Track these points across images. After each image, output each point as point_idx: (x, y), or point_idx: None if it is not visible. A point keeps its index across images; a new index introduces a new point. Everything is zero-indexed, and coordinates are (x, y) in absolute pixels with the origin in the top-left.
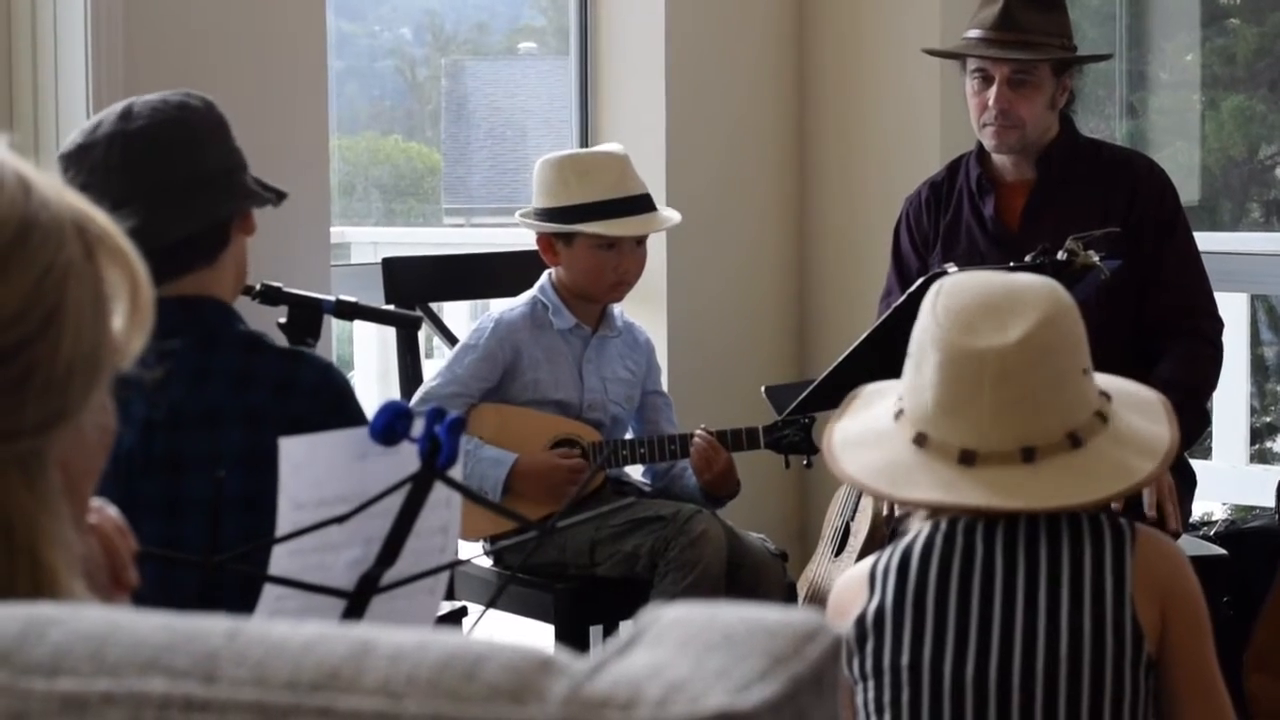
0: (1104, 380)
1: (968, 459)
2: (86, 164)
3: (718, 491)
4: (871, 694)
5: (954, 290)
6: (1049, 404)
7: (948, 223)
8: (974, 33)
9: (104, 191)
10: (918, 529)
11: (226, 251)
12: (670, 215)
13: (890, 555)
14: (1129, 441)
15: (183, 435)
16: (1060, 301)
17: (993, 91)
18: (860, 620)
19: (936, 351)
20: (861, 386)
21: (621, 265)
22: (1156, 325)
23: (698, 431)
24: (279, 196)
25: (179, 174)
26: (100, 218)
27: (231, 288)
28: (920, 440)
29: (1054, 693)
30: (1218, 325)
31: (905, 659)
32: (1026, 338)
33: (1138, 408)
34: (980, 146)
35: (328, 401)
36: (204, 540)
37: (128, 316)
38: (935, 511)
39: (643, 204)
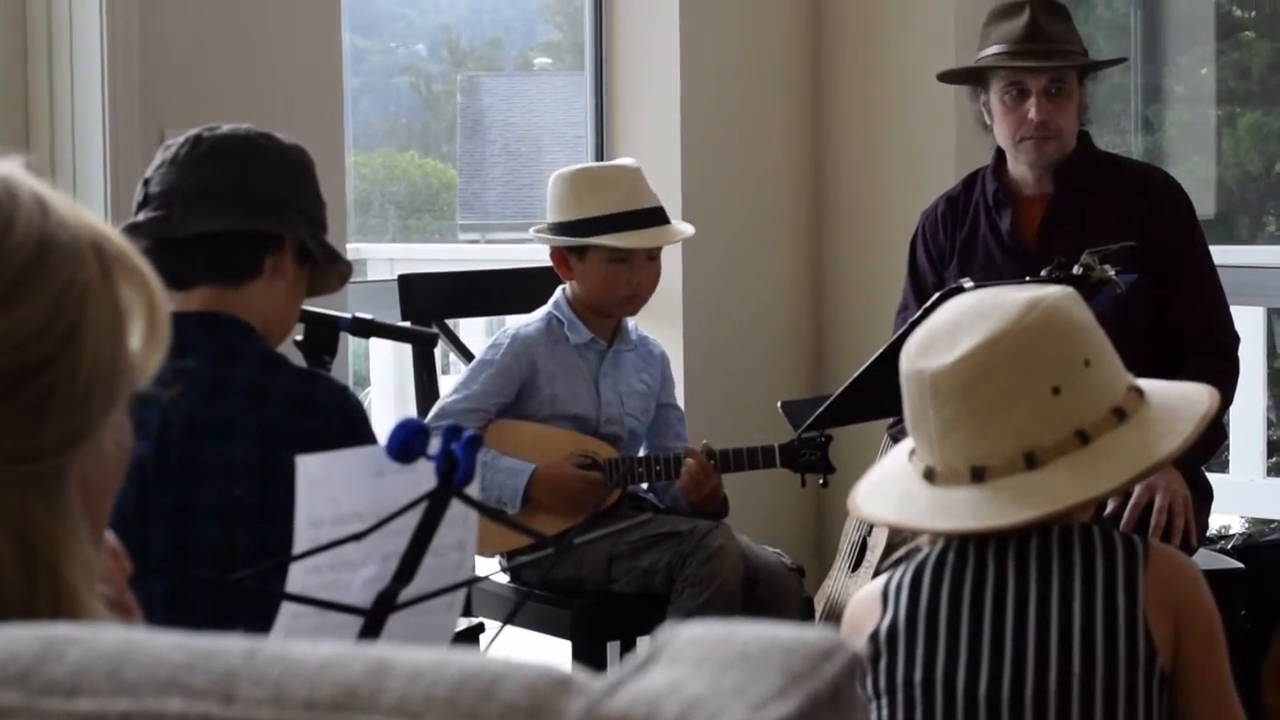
0: (1154, 387)
1: (929, 476)
2: (159, 161)
3: (703, 511)
4: (885, 711)
5: (942, 310)
6: (994, 424)
7: (964, 237)
8: (998, 48)
9: (162, 181)
10: (930, 546)
11: (255, 282)
12: (683, 228)
13: (903, 572)
14: (1107, 457)
15: (196, 445)
16: (1023, 319)
17: (1032, 103)
18: (873, 637)
19: (903, 370)
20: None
21: (634, 279)
22: (1173, 340)
23: (694, 450)
24: (342, 271)
25: (222, 184)
26: (116, 237)
27: (262, 321)
28: (911, 455)
29: (1067, 708)
30: (1235, 340)
31: (918, 675)
32: (962, 358)
33: (1166, 424)
34: (996, 160)
35: (342, 422)
36: (213, 549)
37: (144, 335)
38: (892, 528)
39: (655, 217)
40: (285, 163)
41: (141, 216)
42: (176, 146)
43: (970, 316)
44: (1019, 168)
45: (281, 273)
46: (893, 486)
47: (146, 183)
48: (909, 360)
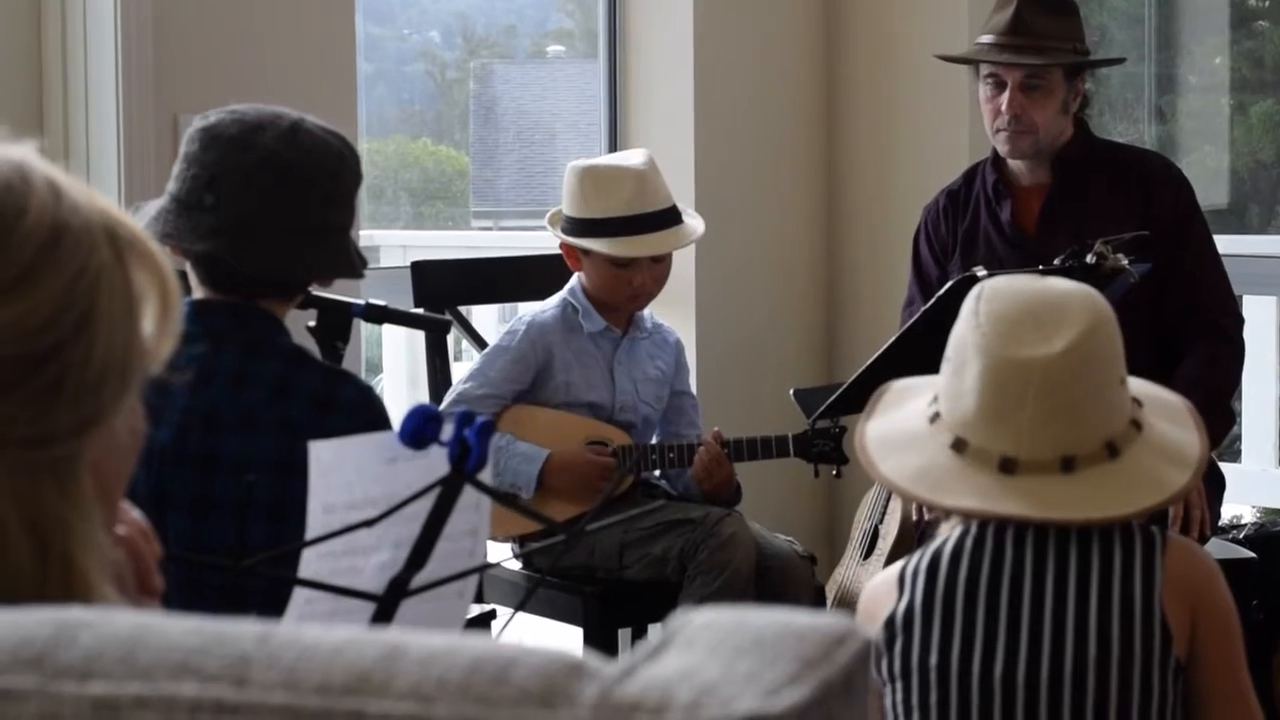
0: (1133, 385)
1: (1008, 467)
2: (235, 162)
3: (714, 499)
4: (900, 694)
5: (996, 296)
6: (1089, 414)
7: (965, 229)
8: (986, 38)
9: (236, 197)
10: (947, 533)
11: (299, 296)
12: (691, 229)
13: (920, 558)
14: (1162, 450)
15: (218, 436)
16: (1102, 311)
17: (1005, 97)
18: (889, 621)
19: (980, 359)
20: (889, 383)
21: (636, 280)
22: (1176, 324)
23: (706, 439)
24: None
25: (305, 220)
26: (129, 222)
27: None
28: (959, 446)
29: (1082, 693)
30: (1237, 322)
31: (934, 659)
32: (1071, 348)
33: (1165, 413)
34: (995, 152)
35: (364, 422)
36: (229, 541)
37: (157, 319)
38: (967, 516)
39: (659, 220)
40: (354, 185)
41: (211, 225)
42: (257, 160)
43: (1048, 306)
44: (1011, 160)
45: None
46: (956, 478)
47: (213, 151)
48: (995, 349)
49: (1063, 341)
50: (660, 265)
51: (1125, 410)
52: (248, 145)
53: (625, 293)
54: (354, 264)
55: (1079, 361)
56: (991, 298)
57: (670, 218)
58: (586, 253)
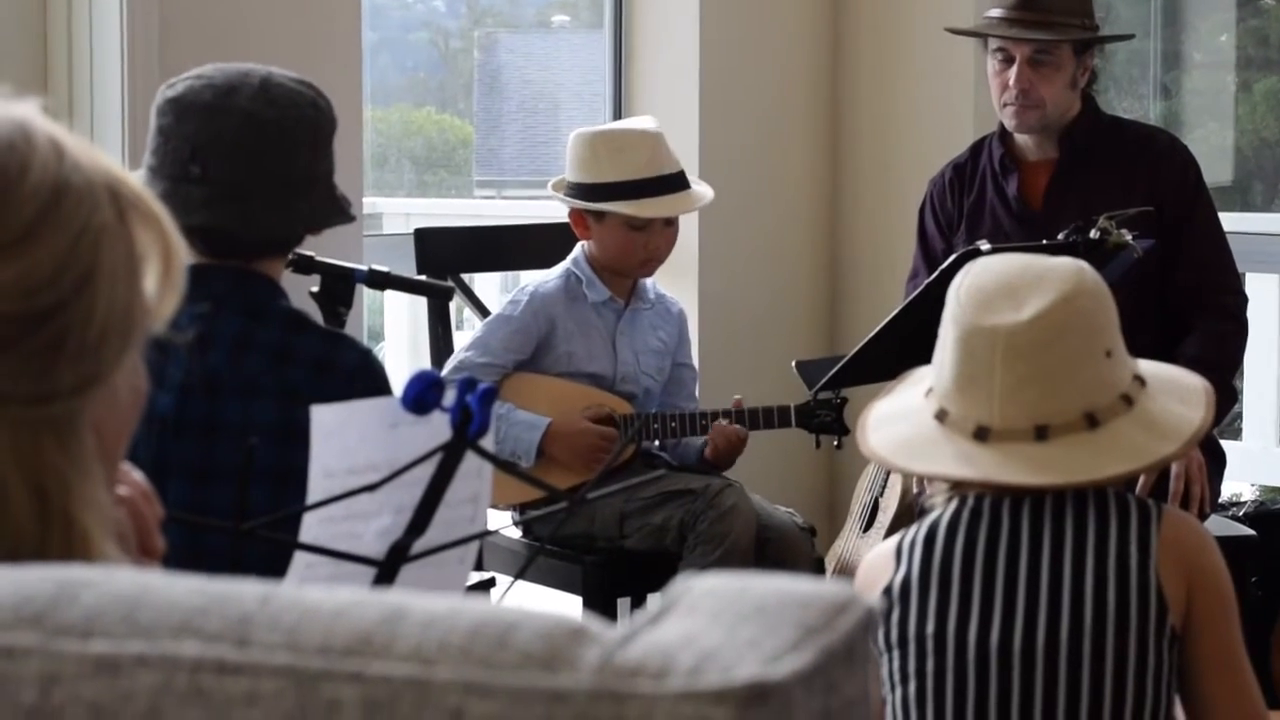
0: (1146, 366)
1: (982, 435)
2: (215, 129)
3: (719, 467)
4: (897, 663)
5: (979, 270)
6: (1063, 383)
7: (971, 203)
8: (996, 12)
9: (223, 164)
10: (944, 505)
11: (291, 253)
12: (703, 193)
13: (917, 530)
14: (1154, 425)
15: (219, 402)
16: (1082, 283)
17: (1013, 71)
18: (886, 591)
19: (955, 328)
20: (916, 369)
21: (651, 244)
22: (1180, 301)
23: (726, 410)
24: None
25: (294, 173)
26: (132, 180)
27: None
28: (941, 416)
29: (1077, 662)
30: (1242, 300)
31: (930, 628)
32: (1038, 316)
33: (1177, 394)
34: (1003, 126)
35: (364, 386)
36: (230, 507)
37: (159, 278)
38: (957, 487)
39: (674, 183)
40: (331, 131)
41: (202, 196)
42: (237, 123)
43: (1026, 277)
44: (1018, 134)
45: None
46: (934, 446)
47: (188, 120)
48: (967, 317)
49: (1032, 310)
50: (671, 228)
51: (1113, 384)
52: (224, 110)
53: (639, 256)
54: (345, 210)
55: (1049, 329)
56: (975, 272)
57: (682, 181)
58: (599, 219)
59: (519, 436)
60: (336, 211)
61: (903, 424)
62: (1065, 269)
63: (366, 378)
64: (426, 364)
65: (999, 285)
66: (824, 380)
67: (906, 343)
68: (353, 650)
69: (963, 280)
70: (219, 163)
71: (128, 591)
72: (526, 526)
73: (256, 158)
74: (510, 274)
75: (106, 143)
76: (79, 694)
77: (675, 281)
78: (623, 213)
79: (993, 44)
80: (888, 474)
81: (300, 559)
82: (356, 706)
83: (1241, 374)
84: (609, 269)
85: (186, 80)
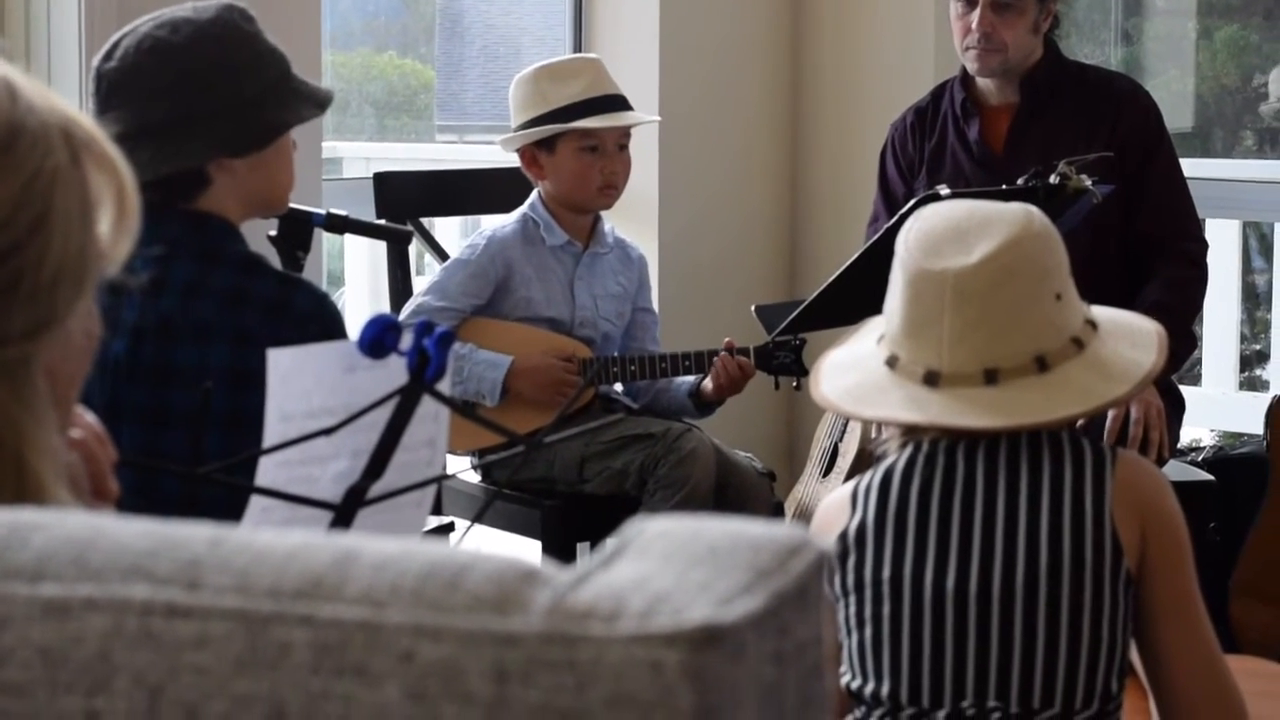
0: (1098, 311)
1: (932, 380)
2: (135, 88)
3: (716, 402)
4: (853, 608)
5: (928, 215)
6: (1012, 326)
7: (932, 147)
8: None
9: (157, 116)
10: (898, 451)
11: (211, 189)
12: (650, 115)
13: (872, 476)
14: (1104, 368)
15: (172, 347)
16: (1030, 226)
17: (976, 15)
18: (842, 537)
19: (903, 273)
20: (873, 318)
21: (607, 167)
22: (1141, 247)
23: (723, 354)
24: (320, 99)
25: (227, 101)
26: (86, 122)
27: (245, 207)
28: (892, 362)
29: (1033, 604)
30: (1202, 247)
31: (886, 573)
32: (988, 259)
33: (1129, 338)
34: (964, 71)
35: (318, 330)
36: (184, 451)
37: (114, 222)
38: (911, 432)
39: (620, 103)
40: (190, 69)
41: (148, 156)
42: (152, 69)
43: (973, 221)
44: (980, 78)
45: (229, 169)
46: (883, 392)
47: (108, 90)
48: (915, 262)
49: (980, 253)
50: (625, 154)
51: (1063, 328)
52: (139, 69)
53: (596, 182)
54: (297, 106)
55: (998, 272)
56: (925, 217)
57: (626, 103)
58: (551, 152)
59: (482, 375)
60: (273, 125)
61: (854, 371)
62: (1013, 213)
63: (321, 321)
64: (386, 308)
65: (947, 230)
66: (783, 325)
67: (865, 288)
68: (303, 593)
69: (911, 226)
70: (155, 116)
71: (78, 534)
72: (486, 470)
73: (181, 98)
74: (470, 218)
75: (63, 86)
76: (28, 637)
77: (635, 227)
78: (576, 128)
79: None
80: (847, 419)
81: (256, 503)
82: (307, 649)
83: (1201, 320)
84: (567, 204)
85: (99, 58)
